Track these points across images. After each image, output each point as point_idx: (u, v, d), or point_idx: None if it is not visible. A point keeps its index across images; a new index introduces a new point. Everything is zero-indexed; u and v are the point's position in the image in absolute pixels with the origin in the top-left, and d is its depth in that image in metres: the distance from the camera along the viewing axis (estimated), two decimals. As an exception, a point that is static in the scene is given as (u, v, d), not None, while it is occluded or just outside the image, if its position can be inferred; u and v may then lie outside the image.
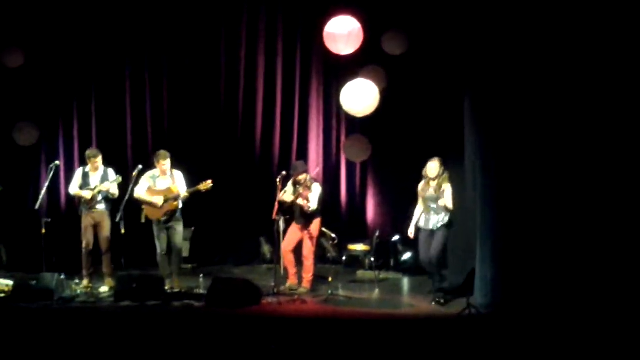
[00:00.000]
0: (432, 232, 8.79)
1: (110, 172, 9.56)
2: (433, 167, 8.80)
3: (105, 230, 9.44)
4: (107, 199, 9.48)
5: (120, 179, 9.44)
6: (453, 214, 8.76)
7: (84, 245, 9.46)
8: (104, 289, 9.31)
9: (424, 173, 8.89)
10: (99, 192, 9.39)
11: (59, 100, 11.64)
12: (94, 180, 9.46)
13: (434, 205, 8.77)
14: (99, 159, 9.51)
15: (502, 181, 8.14)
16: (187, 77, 11.89)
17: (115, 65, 11.74)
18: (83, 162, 9.99)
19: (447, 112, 9.87)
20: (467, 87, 8.94)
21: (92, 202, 9.39)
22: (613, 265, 7.40)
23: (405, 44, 10.58)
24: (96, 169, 9.49)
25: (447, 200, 8.68)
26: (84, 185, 9.46)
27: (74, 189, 9.52)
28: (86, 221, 9.45)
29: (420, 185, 8.96)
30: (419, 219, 8.99)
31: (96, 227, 9.46)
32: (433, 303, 8.69)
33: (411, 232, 9.09)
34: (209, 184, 9.24)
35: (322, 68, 11.98)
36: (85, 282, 9.47)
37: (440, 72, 10.22)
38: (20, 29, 11.10)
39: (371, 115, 10.01)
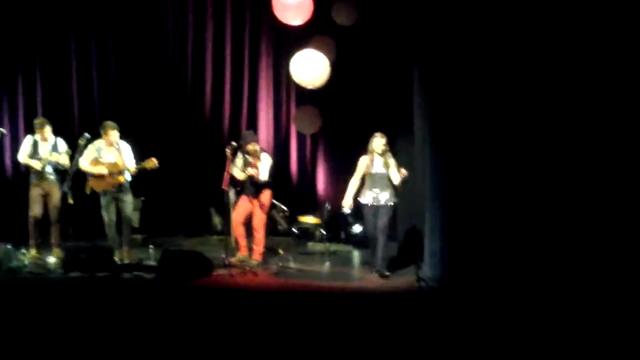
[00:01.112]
0: (378, 208, 8.74)
1: (60, 142, 9.41)
2: (380, 143, 8.74)
3: (55, 200, 9.31)
4: (57, 169, 9.34)
5: (70, 151, 9.30)
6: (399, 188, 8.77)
7: (32, 214, 9.32)
8: (52, 259, 9.18)
9: (369, 148, 8.83)
10: (49, 162, 9.26)
11: (2, 68, 11.38)
12: (44, 150, 9.32)
13: (382, 182, 8.71)
14: (48, 128, 9.36)
15: (451, 153, 8.14)
16: (134, 46, 11.76)
17: (59, 31, 11.53)
18: (29, 130, 9.81)
19: (397, 83, 9.93)
20: (416, 59, 8.96)
21: (41, 172, 9.26)
22: (562, 237, 7.43)
23: (354, 14, 10.49)
24: (46, 138, 9.34)
25: (394, 175, 8.69)
26: (34, 154, 9.31)
27: (23, 157, 9.37)
28: (35, 191, 9.32)
29: (366, 161, 8.84)
30: (362, 195, 8.85)
31: (45, 197, 9.34)
32: (381, 274, 8.72)
33: (348, 204, 8.93)
34: (155, 163, 9.07)
35: (272, 38, 11.95)
36: (33, 252, 9.32)
37: (390, 43, 10.28)
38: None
39: (321, 86, 10.02)
